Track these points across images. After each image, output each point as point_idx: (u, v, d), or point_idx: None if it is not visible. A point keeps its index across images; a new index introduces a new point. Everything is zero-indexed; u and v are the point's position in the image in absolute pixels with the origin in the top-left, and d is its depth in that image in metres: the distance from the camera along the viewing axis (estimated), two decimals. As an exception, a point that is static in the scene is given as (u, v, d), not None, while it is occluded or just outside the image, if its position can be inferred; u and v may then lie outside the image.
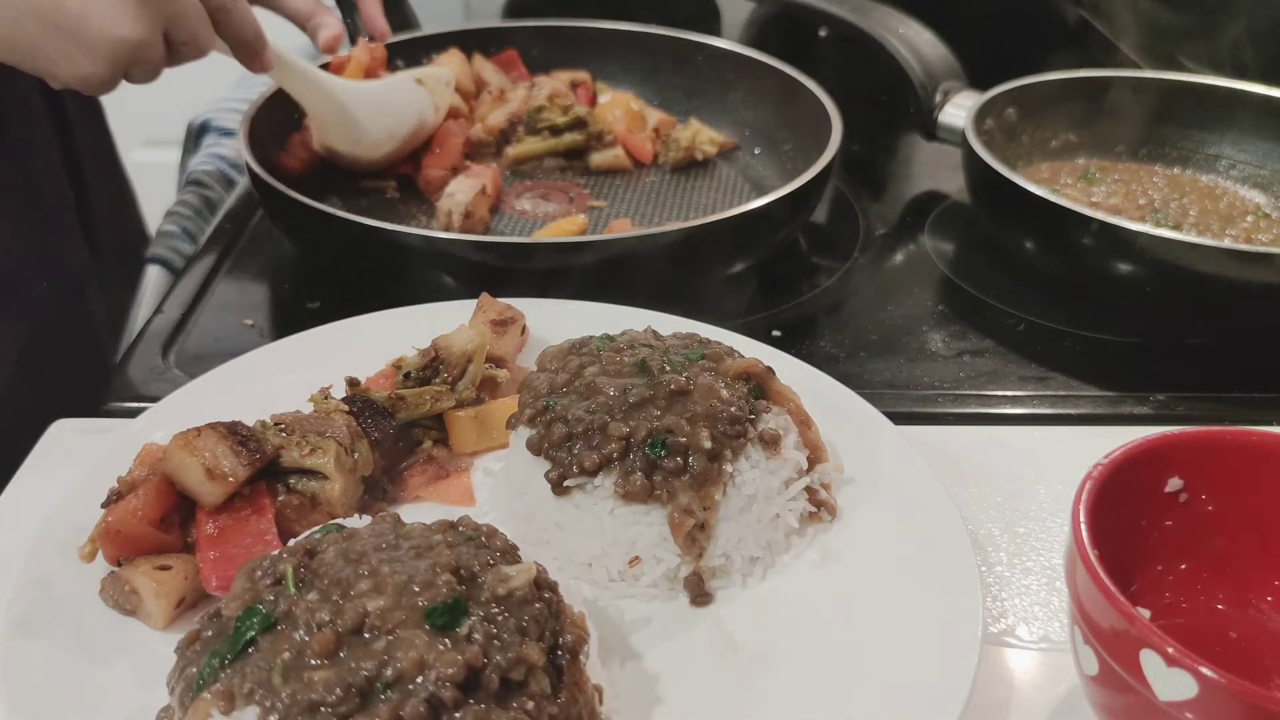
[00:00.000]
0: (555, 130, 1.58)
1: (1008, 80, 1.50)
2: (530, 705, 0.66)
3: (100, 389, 1.16)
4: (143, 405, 1.03)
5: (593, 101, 1.66)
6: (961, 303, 1.35)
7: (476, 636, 0.67)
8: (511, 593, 0.70)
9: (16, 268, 1.27)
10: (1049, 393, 1.18)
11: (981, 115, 1.43)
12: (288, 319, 1.28)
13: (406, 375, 1.04)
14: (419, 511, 0.95)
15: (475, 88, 1.65)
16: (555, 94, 1.60)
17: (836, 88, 1.51)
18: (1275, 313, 1.21)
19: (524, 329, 1.11)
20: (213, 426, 0.88)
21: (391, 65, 1.64)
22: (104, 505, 0.86)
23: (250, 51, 1.17)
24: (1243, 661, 0.78)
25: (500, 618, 0.69)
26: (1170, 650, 0.63)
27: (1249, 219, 1.40)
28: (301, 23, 1.40)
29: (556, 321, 1.11)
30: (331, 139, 1.47)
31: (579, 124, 1.57)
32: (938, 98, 1.49)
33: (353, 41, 1.66)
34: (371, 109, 1.46)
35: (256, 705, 0.64)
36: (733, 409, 0.89)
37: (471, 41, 1.67)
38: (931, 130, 1.50)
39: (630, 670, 0.82)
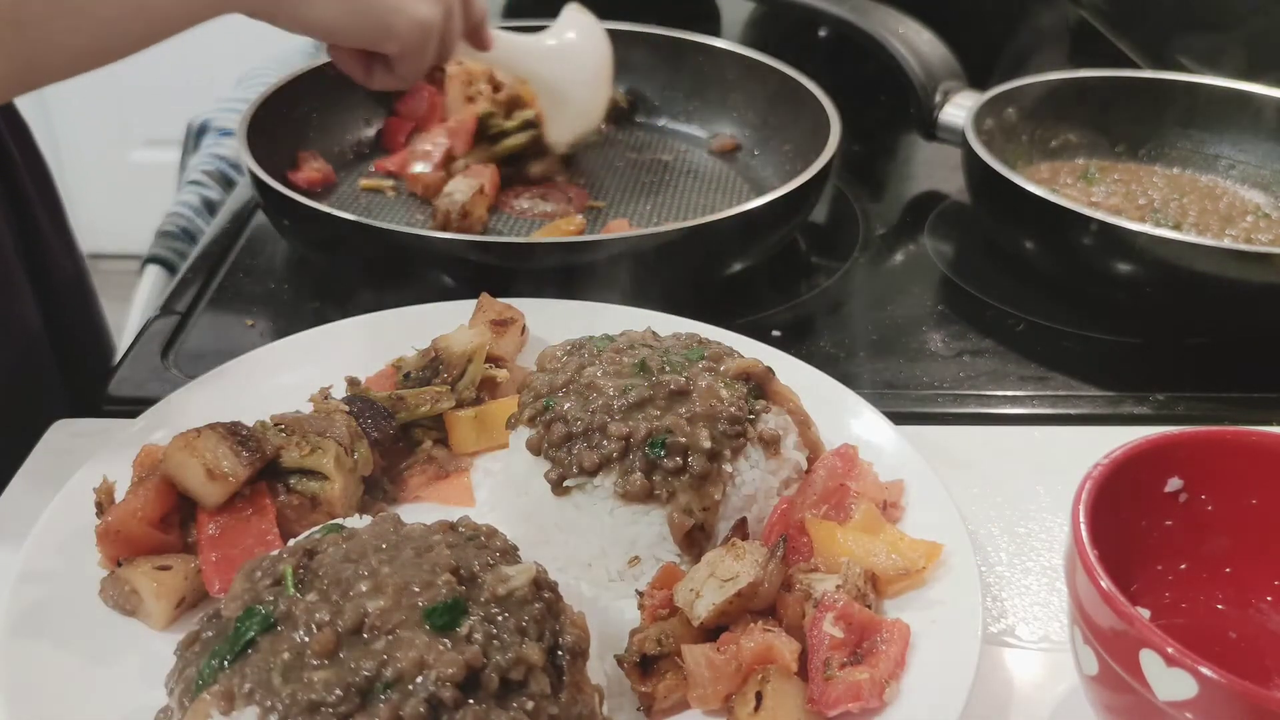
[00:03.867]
0: (504, 134, 1.54)
1: (1008, 80, 1.50)
2: (530, 705, 0.66)
3: (100, 389, 1.16)
4: (143, 405, 1.03)
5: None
6: (961, 303, 1.35)
7: (476, 636, 0.67)
8: (511, 593, 0.70)
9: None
10: (1049, 393, 1.18)
11: (981, 115, 1.43)
12: (288, 319, 1.27)
13: (406, 375, 1.04)
14: (419, 511, 0.94)
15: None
16: (511, 98, 1.57)
17: (836, 88, 1.51)
18: (1275, 313, 1.20)
19: (524, 329, 1.11)
20: (213, 427, 0.88)
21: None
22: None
23: (480, 33, 1.30)
24: (1243, 661, 0.78)
25: (500, 618, 0.69)
26: (1170, 650, 0.63)
27: (1249, 219, 1.40)
28: None
29: (556, 321, 1.11)
30: (563, 121, 1.51)
31: (528, 126, 1.54)
32: (938, 98, 1.49)
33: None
34: (572, 59, 1.49)
35: (256, 706, 0.64)
36: (732, 409, 0.89)
37: (471, 41, 1.67)
38: (931, 130, 1.50)
39: (630, 670, 0.81)
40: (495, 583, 0.71)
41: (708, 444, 0.87)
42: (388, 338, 1.09)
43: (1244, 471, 0.80)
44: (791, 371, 1.02)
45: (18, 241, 1.27)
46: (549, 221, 1.42)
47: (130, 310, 1.53)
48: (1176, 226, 1.37)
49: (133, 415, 1.01)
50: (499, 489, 0.98)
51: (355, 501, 0.93)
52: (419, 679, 0.64)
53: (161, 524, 0.86)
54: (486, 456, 1.02)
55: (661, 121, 1.71)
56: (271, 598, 0.70)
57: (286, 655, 0.66)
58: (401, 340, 1.08)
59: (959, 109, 1.45)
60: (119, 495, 0.88)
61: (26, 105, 1.35)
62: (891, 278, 1.41)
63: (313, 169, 1.49)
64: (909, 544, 0.86)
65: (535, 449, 0.90)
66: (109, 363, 1.37)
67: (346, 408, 0.96)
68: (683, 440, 0.86)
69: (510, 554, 0.75)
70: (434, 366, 1.04)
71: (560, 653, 0.71)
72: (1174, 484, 0.80)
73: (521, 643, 0.68)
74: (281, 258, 1.40)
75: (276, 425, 0.93)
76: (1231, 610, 0.81)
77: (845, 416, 1.01)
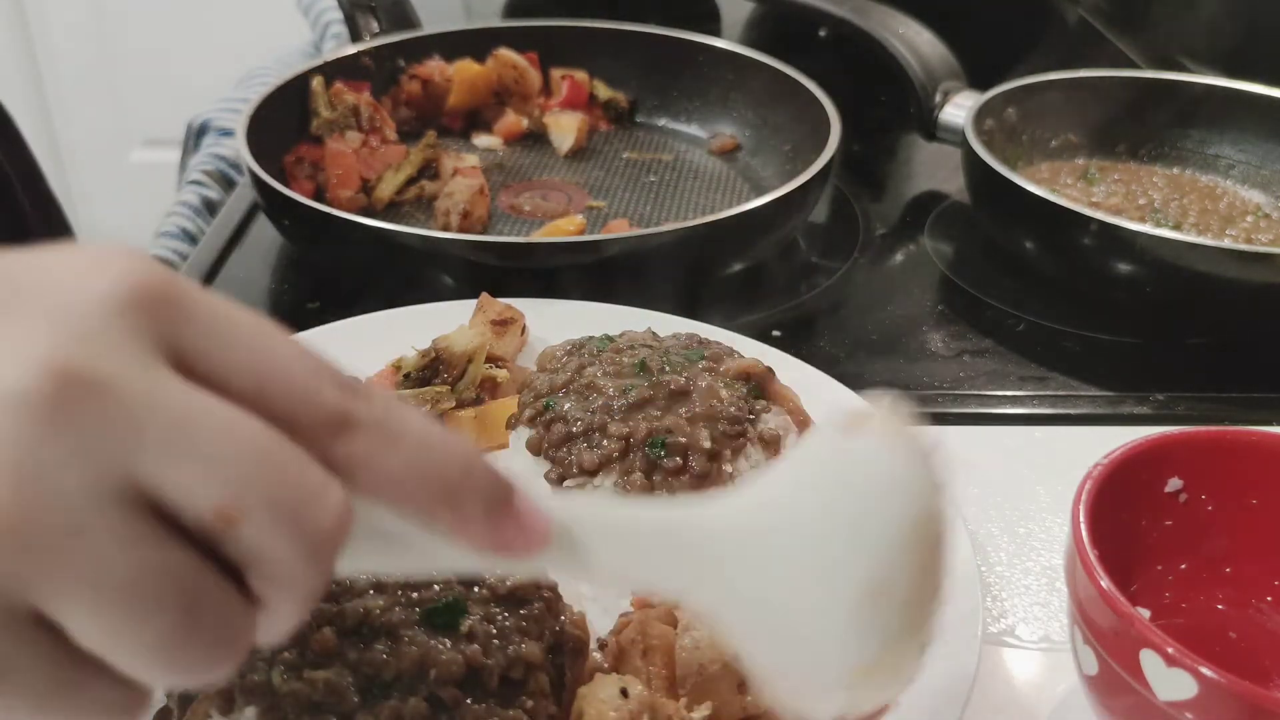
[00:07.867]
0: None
1: (1008, 80, 1.50)
2: (530, 704, 0.66)
3: (100, 389, 1.16)
4: (142, 405, 1.03)
5: (588, 100, 1.66)
6: (961, 303, 1.34)
7: (476, 636, 0.67)
8: (511, 592, 0.70)
9: None
10: (1049, 393, 1.18)
11: (981, 115, 1.43)
12: (288, 319, 1.26)
13: (406, 375, 1.04)
14: (419, 511, 0.94)
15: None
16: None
17: (836, 88, 1.51)
18: (1275, 313, 1.21)
19: (524, 329, 1.11)
20: (212, 426, 0.87)
21: (391, 64, 1.63)
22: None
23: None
24: (1243, 661, 0.78)
25: (500, 617, 0.69)
26: (1170, 650, 0.63)
27: (1249, 219, 1.40)
28: None
29: (556, 321, 1.11)
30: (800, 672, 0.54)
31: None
32: (938, 98, 1.49)
33: (355, 38, 1.65)
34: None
35: (256, 705, 0.64)
36: (732, 409, 0.89)
37: (471, 41, 1.67)
38: (931, 130, 1.50)
39: (630, 670, 0.81)
40: (495, 582, 0.71)
41: (708, 444, 0.87)
42: (388, 338, 1.09)
43: (1244, 471, 0.80)
44: (791, 371, 1.02)
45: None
46: (549, 221, 1.42)
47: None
48: (1176, 226, 1.37)
49: (133, 415, 1.00)
50: (499, 489, 0.97)
51: (355, 501, 0.93)
52: (420, 678, 0.64)
53: (161, 524, 0.86)
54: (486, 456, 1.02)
55: (661, 121, 1.71)
56: (271, 597, 0.70)
57: (286, 655, 0.66)
58: (401, 340, 1.08)
59: (959, 109, 1.45)
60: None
61: (26, 106, 1.35)
62: (891, 278, 1.41)
63: (306, 178, 1.47)
64: None
65: (535, 449, 0.90)
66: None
67: (346, 407, 0.96)
68: (683, 440, 0.86)
69: (510, 554, 0.75)
70: (434, 366, 1.04)
71: (561, 653, 0.71)
72: (1174, 484, 0.80)
73: (521, 642, 0.68)
74: (281, 258, 1.40)
75: (276, 425, 0.93)
76: (1231, 610, 0.81)
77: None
